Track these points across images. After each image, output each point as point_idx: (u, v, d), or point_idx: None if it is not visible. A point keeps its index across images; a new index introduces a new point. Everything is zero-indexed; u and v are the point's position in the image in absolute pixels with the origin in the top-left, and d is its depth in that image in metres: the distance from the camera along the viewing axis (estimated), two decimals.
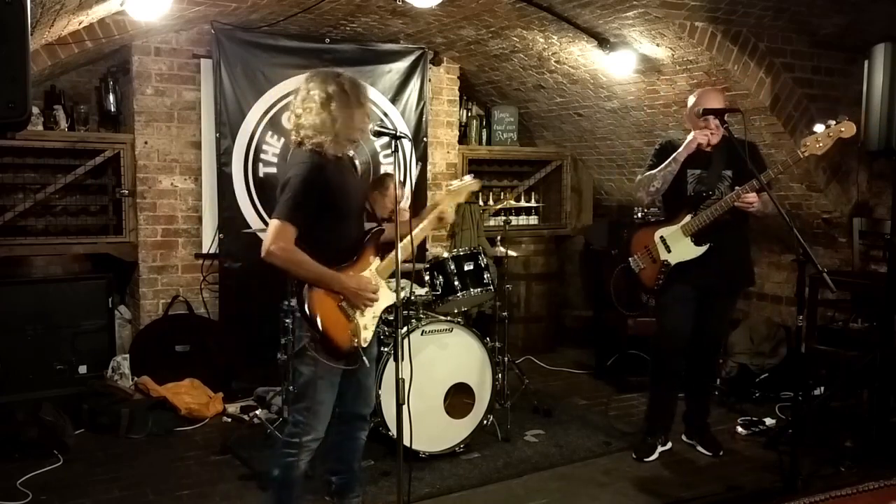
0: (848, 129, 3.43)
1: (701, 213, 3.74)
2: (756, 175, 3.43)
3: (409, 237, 2.90)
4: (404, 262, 2.88)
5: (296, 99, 2.84)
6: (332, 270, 2.77)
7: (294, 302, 2.82)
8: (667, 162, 3.81)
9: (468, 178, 3.30)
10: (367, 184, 3.11)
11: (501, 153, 6.41)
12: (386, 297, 2.96)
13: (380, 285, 2.92)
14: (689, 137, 3.80)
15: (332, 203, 2.78)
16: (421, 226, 3.09)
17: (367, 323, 2.88)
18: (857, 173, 4.90)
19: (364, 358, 2.85)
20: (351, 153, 3.06)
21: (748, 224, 3.95)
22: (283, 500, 2.93)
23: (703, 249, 3.77)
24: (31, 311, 4.50)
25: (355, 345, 2.82)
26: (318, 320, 2.75)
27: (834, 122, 3.44)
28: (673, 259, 3.83)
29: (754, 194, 3.57)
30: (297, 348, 2.86)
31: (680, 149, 3.80)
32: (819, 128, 3.47)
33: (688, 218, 3.79)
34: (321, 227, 2.78)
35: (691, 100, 3.86)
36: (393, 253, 2.91)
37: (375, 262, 2.94)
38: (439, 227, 3.21)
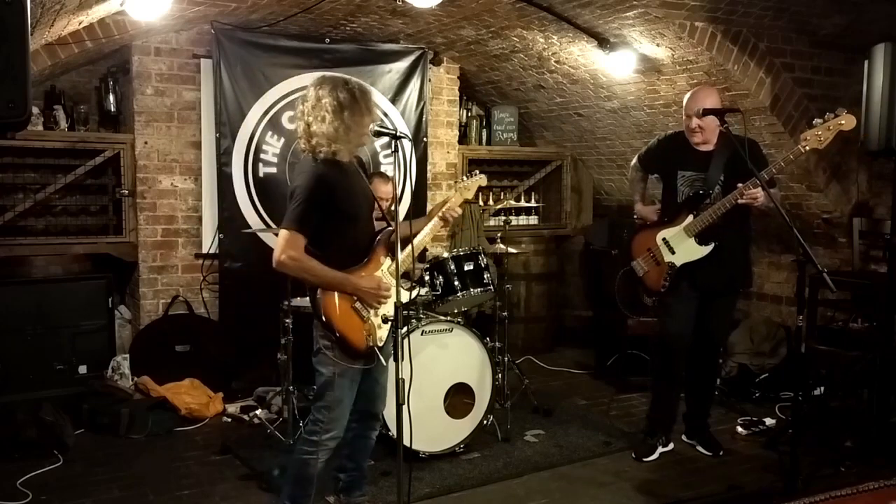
0: (848, 121, 3.39)
1: (703, 212, 3.72)
2: (756, 174, 3.43)
3: (410, 239, 2.96)
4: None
5: (304, 105, 2.82)
6: (344, 273, 2.81)
7: (309, 305, 2.89)
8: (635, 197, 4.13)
9: (476, 176, 3.30)
10: (367, 177, 3.13)
11: (501, 153, 6.41)
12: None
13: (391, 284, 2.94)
14: (644, 212, 4.03)
15: (340, 208, 2.81)
16: (428, 226, 3.10)
17: (381, 323, 2.91)
18: (857, 173, 4.90)
19: (380, 356, 2.88)
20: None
21: (749, 224, 3.95)
22: (297, 498, 2.94)
23: (709, 249, 3.74)
24: (31, 311, 4.50)
25: (371, 344, 2.86)
26: (334, 323, 2.80)
27: (833, 115, 3.41)
28: (678, 260, 3.80)
29: (759, 189, 3.53)
30: (315, 350, 2.91)
31: (638, 206, 4.08)
32: (818, 122, 3.44)
33: (689, 218, 3.77)
34: (331, 232, 2.83)
35: (686, 97, 3.85)
36: (404, 252, 2.94)
37: (387, 262, 2.96)
38: (444, 227, 3.20)
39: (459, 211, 3.18)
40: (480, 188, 3.33)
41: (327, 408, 2.90)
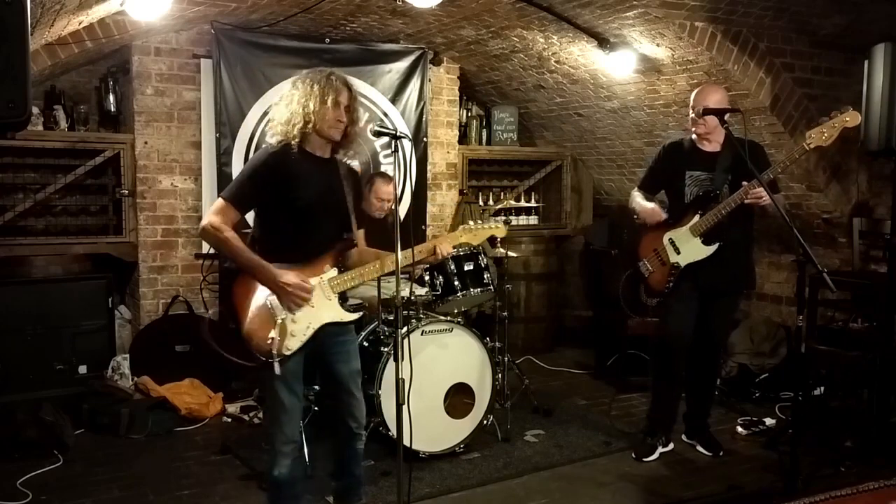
0: (852, 118, 3.41)
1: (709, 212, 3.72)
2: (756, 175, 3.43)
3: (401, 250, 2.68)
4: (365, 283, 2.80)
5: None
6: (263, 261, 2.66)
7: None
8: (639, 206, 3.93)
9: (494, 223, 3.04)
10: (356, 190, 2.94)
11: (501, 153, 6.41)
12: (329, 313, 2.79)
13: (327, 297, 2.78)
14: (650, 207, 3.88)
15: (287, 196, 2.69)
16: (409, 252, 2.86)
17: (295, 331, 2.71)
18: (857, 173, 4.90)
19: (277, 366, 2.65)
20: (347, 159, 2.93)
21: (752, 224, 3.95)
22: (274, 502, 2.93)
23: (713, 249, 3.75)
24: (31, 311, 4.50)
25: (271, 348, 2.64)
26: (237, 311, 2.65)
27: (837, 113, 3.42)
28: (683, 261, 3.81)
29: (762, 194, 3.52)
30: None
31: (642, 209, 3.91)
32: (823, 120, 3.46)
33: (696, 218, 3.77)
34: (272, 218, 2.75)
35: (693, 96, 3.85)
36: (354, 272, 2.82)
37: (330, 272, 2.79)
38: (429, 260, 2.96)
39: (451, 250, 2.94)
40: (494, 238, 3.04)
41: (272, 414, 2.82)
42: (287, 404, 2.77)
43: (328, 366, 2.91)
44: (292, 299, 2.68)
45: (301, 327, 2.72)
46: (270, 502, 2.95)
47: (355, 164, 2.97)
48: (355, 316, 2.86)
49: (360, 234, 2.98)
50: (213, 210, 2.71)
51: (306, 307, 2.72)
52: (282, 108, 2.75)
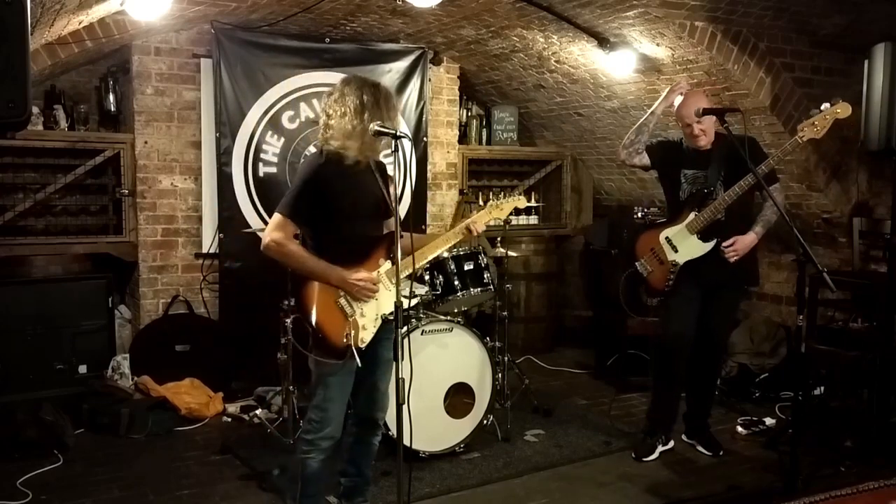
0: (843, 109, 3.43)
1: (705, 209, 3.74)
2: (753, 170, 3.42)
3: (411, 252, 2.90)
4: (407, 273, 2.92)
5: (328, 99, 2.88)
6: (330, 264, 2.80)
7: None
8: (645, 116, 3.93)
9: (514, 196, 3.30)
10: (386, 179, 3.06)
11: (501, 153, 6.41)
12: (391, 302, 2.89)
13: (387, 288, 2.91)
14: (667, 90, 3.88)
15: (335, 204, 2.82)
16: (446, 236, 3.12)
17: (366, 324, 2.87)
18: (857, 173, 4.90)
19: (357, 357, 2.80)
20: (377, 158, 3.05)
21: (752, 221, 3.95)
22: (299, 498, 2.95)
23: (710, 245, 3.76)
24: (31, 311, 4.50)
25: (348, 343, 2.79)
26: (311, 315, 2.78)
27: (829, 105, 3.44)
28: (681, 259, 3.82)
29: (736, 247, 3.71)
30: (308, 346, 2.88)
31: (658, 100, 3.90)
32: (814, 111, 3.48)
33: (692, 216, 3.79)
34: (326, 226, 2.86)
35: (678, 100, 3.87)
36: (404, 261, 2.90)
37: (385, 265, 2.94)
38: (466, 238, 3.16)
39: (483, 227, 3.15)
40: (516, 209, 3.35)
41: (318, 407, 2.89)
42: (338, 401, 2.88)
43: (374, 352, 2.96)
44: (364, 293, 2.83)
45: (370, 320, 2.89)
46: (296, 498, 2.95)
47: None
48: (414, 301, 3.01)
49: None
50: (271, 227, 2.82)
51: (372, 301, 2.87)
52: (343, 119, 2.79)
